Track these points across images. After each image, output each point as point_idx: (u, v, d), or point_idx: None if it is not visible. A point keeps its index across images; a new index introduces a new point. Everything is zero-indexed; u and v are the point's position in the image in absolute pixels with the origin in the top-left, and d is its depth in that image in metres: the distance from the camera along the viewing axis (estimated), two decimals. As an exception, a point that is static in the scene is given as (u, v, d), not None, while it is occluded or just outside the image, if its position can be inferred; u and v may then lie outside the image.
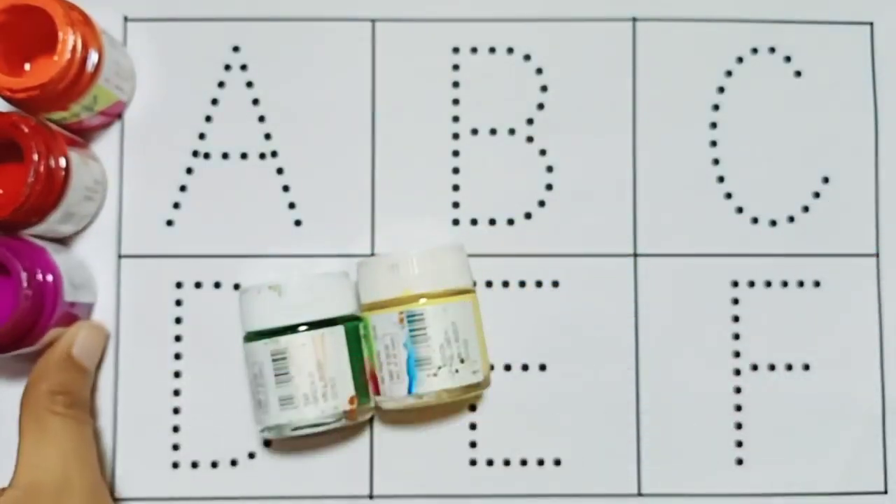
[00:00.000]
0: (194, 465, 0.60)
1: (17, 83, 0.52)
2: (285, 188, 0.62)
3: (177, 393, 0.60)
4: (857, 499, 0.61)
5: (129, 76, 0.60)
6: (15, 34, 0.55)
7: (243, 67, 0.62)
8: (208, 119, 0.62)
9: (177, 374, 0.61)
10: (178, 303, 0.61)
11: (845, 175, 0.62)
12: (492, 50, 0.62)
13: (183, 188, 0.61)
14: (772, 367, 0.61)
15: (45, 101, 0.54)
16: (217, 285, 0.61)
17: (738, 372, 0.61)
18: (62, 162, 0.55)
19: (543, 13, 0.62)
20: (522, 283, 0.61)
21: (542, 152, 0.62)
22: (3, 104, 0.56)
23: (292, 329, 0.56)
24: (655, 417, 0.61)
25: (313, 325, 0.56)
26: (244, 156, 0.62)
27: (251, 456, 0.61)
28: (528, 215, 0.62)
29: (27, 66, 0.58)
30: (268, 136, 0.62)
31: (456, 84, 0.62)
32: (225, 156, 0.62)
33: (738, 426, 0.61)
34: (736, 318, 0.62)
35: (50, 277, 0.55)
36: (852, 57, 0.63)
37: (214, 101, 0.62)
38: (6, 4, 0.53)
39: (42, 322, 0.55)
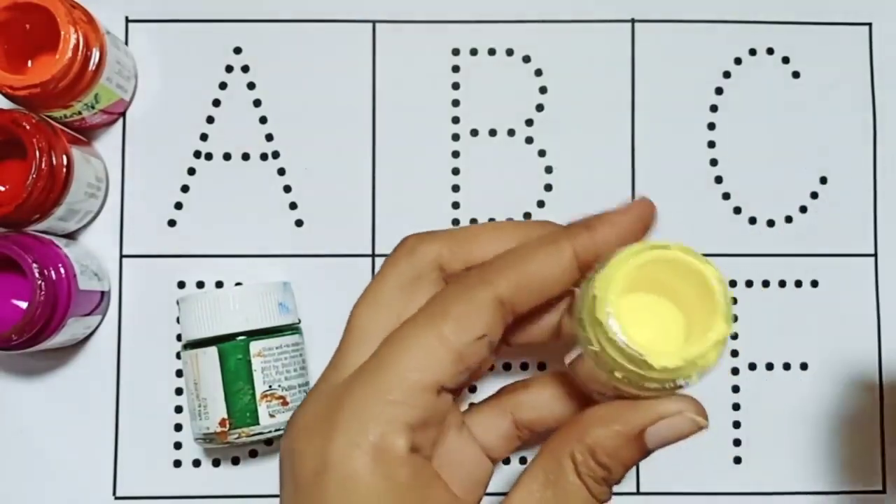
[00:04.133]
0: (196, 463, 0.61)
1: (18, 81, 0.53)
2: (286, 189, 0.62)
3: (178, 392, 0.61)
4: (855, 498, 0.61)
5: (131, 75, 0.61)
6: (17, 32, 0.55)
7: (245, 69, 0.62)
8: (210, 120, 0.62)
9: (178, 374, 0.61)
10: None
11: (843, 175, 0.63)
12: (491, 52, 0.63)
13: (185, 188, 0.62)
14: (769, 367, 0.62)
15: (46, 99, 0.54)
16: (219, 285, 0.61)
17: (735, 371, 0.61)
18: (64, 159, 0.55)
19: (543, 15, 0.63)
20: (522, 283, 0.62)
21: (542, 153, 0.62)
22: (6, 102, 0.56)
23: (184, 346, 0.58)
24: (654, 416, 0.61)
25: (191, 345, 0.57)
26: (246, 156, 0.62)
27: (253, 454, 0.61)
28: (527, 216, 0.62)
29: (30, 64, 0.58)
30: (269, 137, 0.62)
31: (456, 85, 0.63)
32: (227, 156, 0.62)
33: (737, 425, 0.61)
34: (734, 318, 0.62)
35: (61, 268, 0.55)
36: (850, 58, 0.63)
37: (216, 102, 0.62)
38: (9, 2, 0.53)
39: (58, 314, 0.55)
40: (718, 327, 0.40)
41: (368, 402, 0.43)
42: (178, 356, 0.61)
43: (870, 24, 0.63)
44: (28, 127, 0.53)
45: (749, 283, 0.62)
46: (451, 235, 0.48)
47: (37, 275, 0.53)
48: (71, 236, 0.60)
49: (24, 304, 0.56)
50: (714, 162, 0.62)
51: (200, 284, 0.61)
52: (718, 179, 0.62)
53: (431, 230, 0.49)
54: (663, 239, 0.41)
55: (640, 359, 0.39)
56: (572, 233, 0.45)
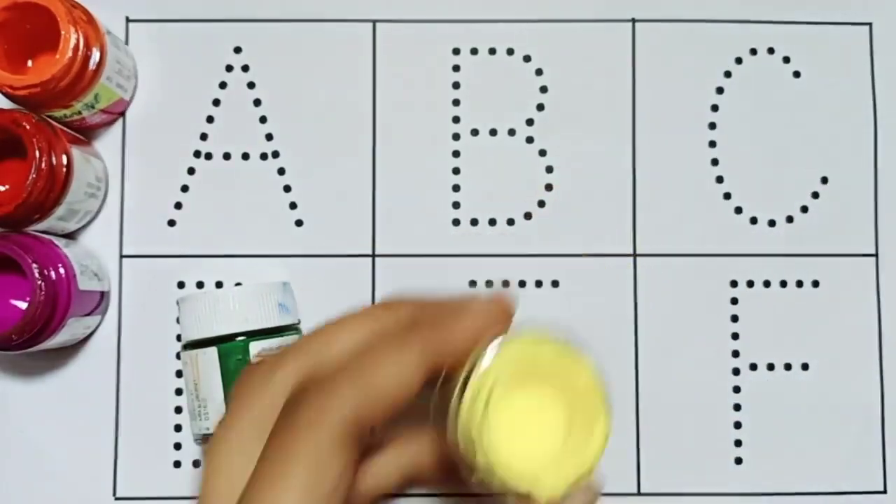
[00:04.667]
0: (196, 464, 0.61)
1: (18, 80, 0.53)
2: (286, 188, 0.62)
3: (178, 392, 0.61)
4: (856, 498, 0.61)
5: (131, 75, 0.61)
6: (18, 31, 0.55)
7: (245, 68, 0.62)
8: (210, 119, 0.62)
9: (178, 374, 0.61)
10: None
11: (844, 175, 0.63)
12: (492, 51, 0.63)
13: (185, 188, 0.62)
14: (770, 367, 0.62)
15: (46, 99, 0.54)
16: (219, 285, 0.61)
17: (736, 371, 0.61)
18: (64, 159, 0.55)
19: (543, 14, 0.63)
20: (522, 283, 0.61)
21: (542, 153, 0.62)
22: (6, 102, 0.56)
23: (184, 346, 0.57)
24: (654, 416, 0.61)
25: (191, 345, 0.57)
26: (245, 156, 0.62)
27: (252, 455, 0.61)
28: (527, 215, 0.62)
29: (30, 64, 0.58)
30: (269, 137, 0.62)
31: (456, 85, 0.63)
32: (226, 156, 0.62)
33: (737, 425, 0.61)
34: (735, 318, 0.62)
35: (61, 269, 0.55)
36: (851, 57, 0.63)
37: (216, 102, 0.62)
38: (9, 2, 0.53)
39: (58, 314, 0.55)
40: (597, 442, 0.41)
41: None
42: (178, 356, 0.61)
43: (870, 24, 0.63)
44: (28, 126, 0.53)
45: (749, 283, 0.62)
46: (302, 351, 0.44)
47: (37, 275, 0.53)
48: (71, 236, 0.60)
49: (23, 305, 0.56)
50: (714, 162, 0.62)
51: (200, 284, 0.61)
52: (719, 179, 0.62)
53: (281, 351, 0.44)
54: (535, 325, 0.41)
55: (526, 493, 0.40)
56: (422, 335, 0.42)
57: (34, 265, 0.53)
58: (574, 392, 0.41)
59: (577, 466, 0.40)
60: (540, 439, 0.41)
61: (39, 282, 0.53)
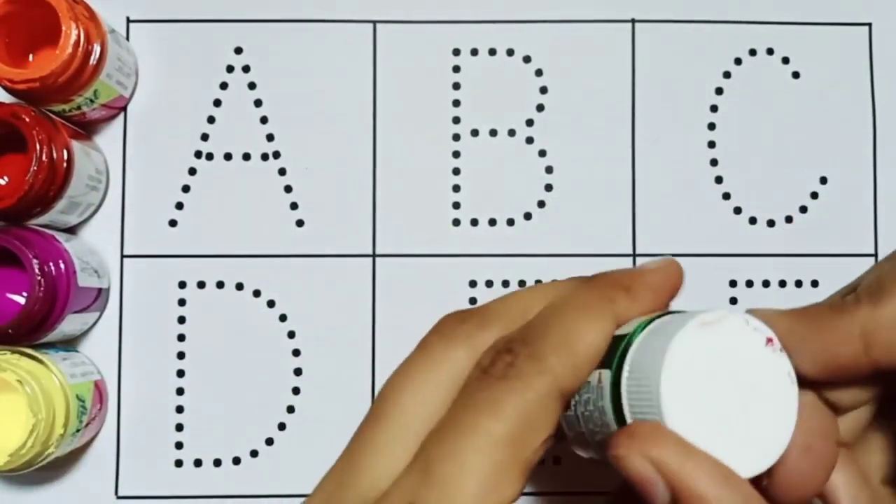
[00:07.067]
0: (197, 463, 0.61)
1: (17, 74, 0.53)
2: (287, 189, 0.62)
3: (180, 392, 0.61)
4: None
5: (132, 72, 0.61)
6: (19, 25, 0.55)
7: (245, 69, 0.62)
8: (211, 120, 0.62)
9: (180, 374, 0.61)
10: (182, 302, 0.61)
11: (843, 176, 0.63)
12: (492, 52, 0.63)
13: (186, 188, 0.62)
14: (770, 366, 0.61)
15: (45, 94, 0.54)
16: (220, 285, 0.62)
17: (736, 370, 0.61)
18: (64, 153, 0.55)
19: (543, 15, 0.63)
20: (522, 283, 0.62)
21: (542, 153, 0.62)
22: (6, 97, 0.56)
23: None
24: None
25: None
26: (247, 156, 0.62)
27: (254, 454, 0.61)
28: (527, 216, 0.62)
29: (31, 58, 0.58)
30: (270, 137, 0.62)
31: (456, 85, 0.63)
32: (227, 156, 0.62)
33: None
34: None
35: (61, 264, 0.55)
36: (850, 58, 0.63)
37: (217, 102, 0.62)
38: (12, -4, 0.54)
39: (56, 309, 0.55)
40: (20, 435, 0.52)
41: None
42: (179, 356, 0.61)
43: (870, 24, 0.63)
44: (28, 119, 0.53)
45: (749, 283, 0.62)
46: (503, 316, 0.40)
47: (36, 270, 0.53)
48: (72, 231, 0.61)
49: (21, 299, 0.56)
50: (714, 162, 0.62)
51: (202, 284, 0.61)
52: (718, 179, 0.62)
53: (482, 310, 0.40)
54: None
55: None
56: (612, 297, 0.38)
57: (34, 260, 0.53)
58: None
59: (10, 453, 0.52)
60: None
61: (39, 277, 0.53)
